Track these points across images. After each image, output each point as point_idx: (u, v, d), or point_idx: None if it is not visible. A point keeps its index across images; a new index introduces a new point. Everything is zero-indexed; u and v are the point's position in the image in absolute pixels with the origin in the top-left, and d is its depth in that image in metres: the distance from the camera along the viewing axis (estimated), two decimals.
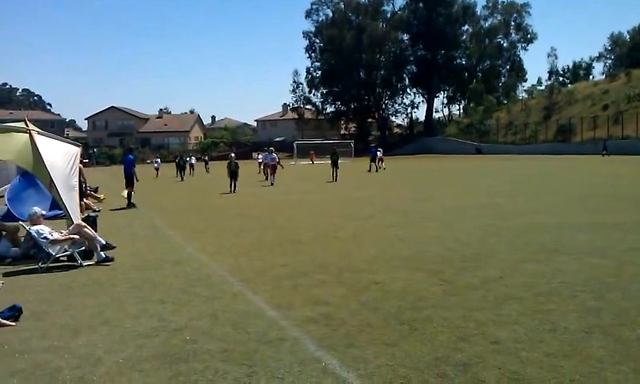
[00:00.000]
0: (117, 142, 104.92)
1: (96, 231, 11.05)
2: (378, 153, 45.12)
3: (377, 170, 42.07)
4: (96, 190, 24.57)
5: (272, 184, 31.15)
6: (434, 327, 6.17)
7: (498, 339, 5.72)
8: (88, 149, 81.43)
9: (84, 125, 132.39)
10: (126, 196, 21.38)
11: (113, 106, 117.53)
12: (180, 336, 6.15)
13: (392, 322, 6.38)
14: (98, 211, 17.01)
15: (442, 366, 5.12)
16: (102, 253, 10.37)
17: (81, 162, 13.86)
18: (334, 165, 34.43)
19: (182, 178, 41.83)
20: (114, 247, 11.11)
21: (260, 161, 39.04)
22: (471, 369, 5.02)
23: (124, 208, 20.58)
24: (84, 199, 16.66)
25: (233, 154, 30.49)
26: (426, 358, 5.32)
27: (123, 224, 16.08)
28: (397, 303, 7.13)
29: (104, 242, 10.81)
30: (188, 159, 49.14)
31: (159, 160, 51.34)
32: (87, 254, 10.38)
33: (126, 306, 7.40)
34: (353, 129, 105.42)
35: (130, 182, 21.48)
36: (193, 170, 48.62)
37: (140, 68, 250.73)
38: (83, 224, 10.70)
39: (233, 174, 27.62)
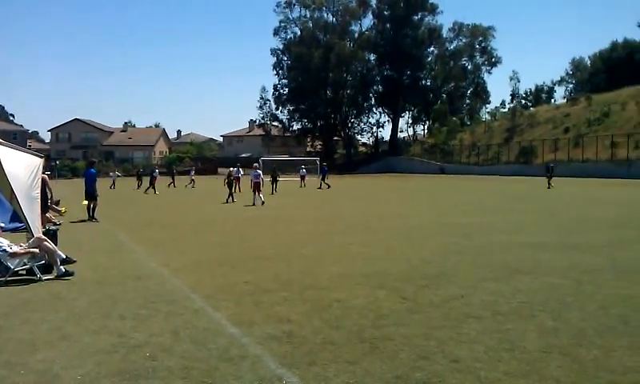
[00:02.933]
0: (80, 154, 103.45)
1: (56, 245, 10.88)
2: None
3: (328, 187, 44.59)
4: (57, 203, 24.13)
5: (262, 204, 28.01)
6: (395, 345, 6.21)
7: (458, 358, 5.79)
8: (50, 161, 79.99)
9: (47, 136, 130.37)
10: (86, 205, 21.19)
11: (77, 119, 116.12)
12: (140, 352, 6.08)
13: (353, 340, 6.41)
14: (59, 224, 16.73)
15: None
16: (62, 267, 10.21)
17: (45, 173, 13.64)
18: (274, 180, 40.15)
19: (139, 187, 46.41)
20: (75, 261, 10.93)
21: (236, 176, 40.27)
22: None
23: (85, 221, 20.33)
24: (47, 212, 16.34)
25: (233, 169, 34.36)
26: (386, 375, 5.35)
27: (84, 238, 15.86)
28: (358, 321, 7.16)
29: (64, 256, 10.63)
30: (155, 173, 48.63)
31: (116, 173, 56.18)
32: (47, 268, 10.22)
33: (86, 322, 7.30)
34: (319, 146, 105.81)
35: (90, 196, 21.22)
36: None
37: (105, 80, 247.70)
38: (43, 237, 10.52)
39: (230, 186, 31.57)
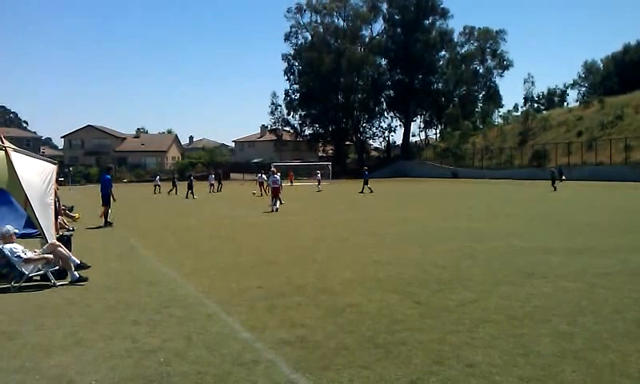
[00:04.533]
0: (93, 160, 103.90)
1: (70, 250, 10.94)
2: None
3: (371, 191, 42.50)
4: (71, 209, 24.32)
5: (276, 210, 27.00)
6: (409, 350, 6.18)
7: (473, 362, 5.76)
8: (64, 167, 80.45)
9: (60, 143, 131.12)
10: (101, 215, 21.30)
11: (89, 125, 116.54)
12: (153, 357, 6.09)
13: (367, 345, 6.39)
14: (73, 230, 16.82)
15: None
16: (75, 273, 10.27)
17: (56, 180, 13.71)
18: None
19: (176, 192, 47.15)
20: (89, 267, 10.99)
21: (260, 181, 44.49)
22: None
23: (99, 227, 20.40)
24: (58, 217, 16.43)
25: (270, 174, 33.64)
26: (400, 380, 5.33)
27: (98, 243, 15.93)
28: (372, 326, 7.14)
29: (78, 262, 10.70)
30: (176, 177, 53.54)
31: (159, 177, 56.71)
32: (61, 274, 10.27)
33: (100, 327, 7.32)
34: (331, 151, 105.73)
35: (106, 202, 21.35)
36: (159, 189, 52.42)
37: (118, 87, 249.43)
38: (57, 243, 10.59)
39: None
